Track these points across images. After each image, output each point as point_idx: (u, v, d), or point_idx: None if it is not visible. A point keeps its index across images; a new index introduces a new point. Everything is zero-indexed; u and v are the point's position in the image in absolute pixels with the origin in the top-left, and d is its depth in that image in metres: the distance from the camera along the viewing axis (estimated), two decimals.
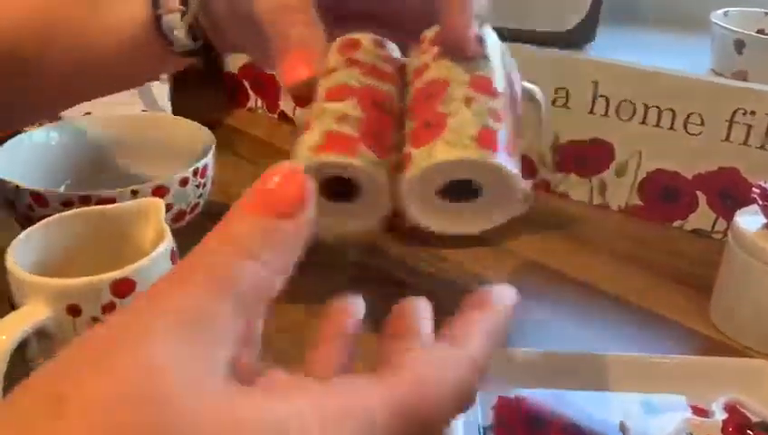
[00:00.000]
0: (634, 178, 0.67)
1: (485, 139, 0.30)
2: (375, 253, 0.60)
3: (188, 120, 0.62)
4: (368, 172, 0.30)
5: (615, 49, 0.69)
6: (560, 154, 0.70)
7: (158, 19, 0.43)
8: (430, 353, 0.24)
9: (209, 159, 0.56)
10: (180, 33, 0.43)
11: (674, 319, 0.54)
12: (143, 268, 0.40)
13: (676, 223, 0.67)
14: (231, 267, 0.19)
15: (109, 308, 0.39)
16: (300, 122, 0.35)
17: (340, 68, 0.33)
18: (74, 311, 0.38)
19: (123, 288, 0.39)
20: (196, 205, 0.55)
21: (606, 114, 0.66)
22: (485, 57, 0.34)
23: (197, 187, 0.54)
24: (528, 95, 0.66)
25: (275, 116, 0.86)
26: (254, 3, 0.36)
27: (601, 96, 0.66)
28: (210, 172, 0.56)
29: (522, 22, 0.68)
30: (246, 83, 0.87)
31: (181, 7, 0.43)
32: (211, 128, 0.61)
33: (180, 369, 0.17)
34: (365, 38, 0.35)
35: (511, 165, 0.31)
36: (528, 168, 0.70)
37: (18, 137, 0.56)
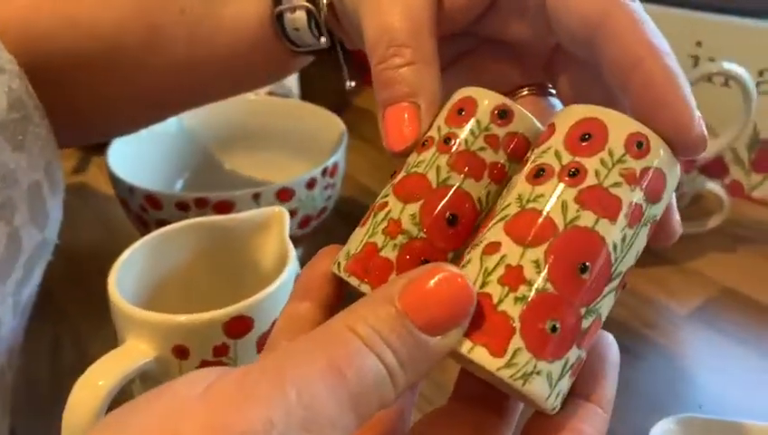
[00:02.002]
0: None
1: (545, 344, 0.20)
2: None
3: (317, 107, 0.55)
4: None
5: None
6: (759, 151, 0.57)
7: (278, 16, 0.37)
8: None
9: (340, 156, 0.48)
10: (304, 32, 0.37)
11: None
12: (261, 304, 0.32)
13: None
14: (356, 361, 0.18)
15: (221, 350, 0.32)
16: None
17: (430, 146, 0.23)
18: (182, 352, 0.32)
19: (238, 327, 0.32)
20: (324, 209, 0.48)
21: None
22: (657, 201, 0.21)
23: (326, 188, 0.47)
24: (725, 78, 0.54)
25: None
26: (361, 23, 0.27)
27: None
28: (341, 171, 0.49)
29: None
30: None
31: (306, 4, 0.36)
32: (339, 109, 0.54)
33: None
34: (485, 100, 0.23)
35: (554, 392, 0.20)
36: (716, 165, 0.58)
37: None
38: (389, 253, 0.22)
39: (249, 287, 0.34)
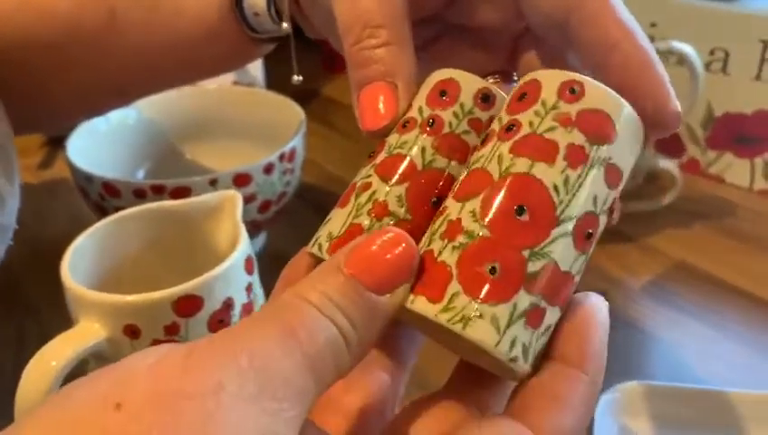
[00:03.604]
0: None
1: (483, 286, 0.20)
2: None
3: (279, 96, 0.55)
4: None
5: None
6: (713, 128, 0.58)
7: (238, 2, 0.38)
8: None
9: (298, 142, 0.49)
10: (263, 17, 0.37)
11: None
12: (211, 282, 0.33)
13: None
14: (309, 323, 0.18)
15: (171, 329, 0.33)
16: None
17: (412, 127, 0.23)
18: (133, 332, 0.33)
19: (188, 306, 0.33)
20: (284, 194, 0.49)
21: None
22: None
23: (284, 173, 0.48)
24: (678, 57, 0.55)
25: None
26: (332, 6, 0.26)
27: None
28: (300, 157, 0.50)
29: None
30: None
31: None
32: (307, 98, 0.54)
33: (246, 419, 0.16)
34: (467, 83, 0.24)
35: (514, 350, 0.19)
36: (674, 144, 0.59)
37: (95, 119, 0.51)
38: None
39: (204, 270, 0.35)
